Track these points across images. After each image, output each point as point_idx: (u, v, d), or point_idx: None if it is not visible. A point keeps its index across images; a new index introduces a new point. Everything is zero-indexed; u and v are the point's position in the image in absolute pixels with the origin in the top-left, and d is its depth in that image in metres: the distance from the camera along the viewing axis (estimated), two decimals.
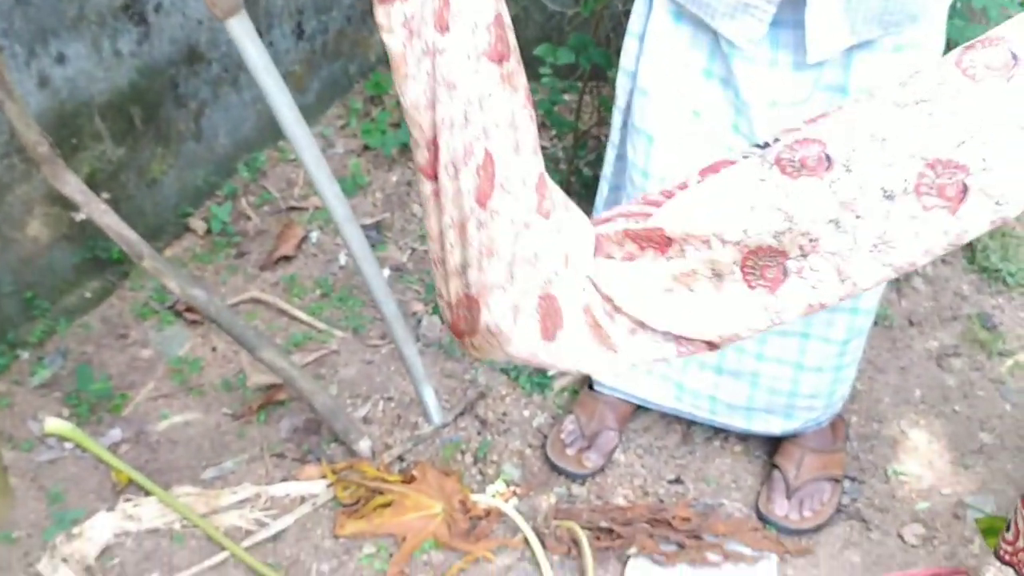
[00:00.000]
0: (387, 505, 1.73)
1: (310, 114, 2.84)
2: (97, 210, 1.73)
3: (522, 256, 0.97)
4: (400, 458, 1.85)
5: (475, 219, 0.95)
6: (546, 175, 1.00)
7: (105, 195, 2.07)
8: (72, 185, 1.71)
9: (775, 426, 1.77)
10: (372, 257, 1.71)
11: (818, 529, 1.72)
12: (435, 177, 0.97)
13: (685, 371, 1.75)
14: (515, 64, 0.96)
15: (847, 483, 1.81)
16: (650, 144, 1.53)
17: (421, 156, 0.98)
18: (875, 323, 2.14)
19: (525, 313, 0.99)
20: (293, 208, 2.51)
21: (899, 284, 2.22)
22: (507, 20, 0.95)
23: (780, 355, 1.66)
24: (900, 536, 1.73)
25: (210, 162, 2.50)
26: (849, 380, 1.74)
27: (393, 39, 0.95)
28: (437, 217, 0.99)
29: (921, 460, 1.86)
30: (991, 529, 1.58)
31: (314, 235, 2.43)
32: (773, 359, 1.67)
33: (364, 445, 1.85)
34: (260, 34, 2.35)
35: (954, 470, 1.84)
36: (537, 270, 0.98)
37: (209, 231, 2.40)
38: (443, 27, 0.92)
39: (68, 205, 1.77)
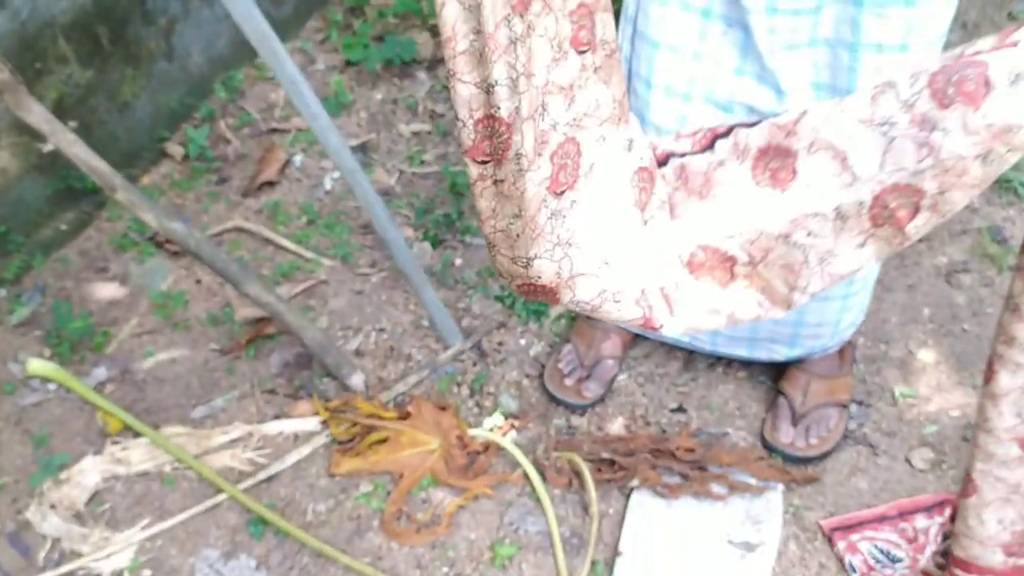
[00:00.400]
0: (382, 442, 1.68)
1: (288, 28, 2.70)
2: (65, 139, 1.63)
3: (618, 247, 0.98)
4: (396, 394, 1.80)
5: (548, 209, 0.91)
6: (654, 172, 0.98)
7: (74, 122, 1.96)
8: (37, 114, 1.61)
9: (779, 353, 1.71)
10: (364, 177, 1.64)
11: (825, 456, 1.68)
12: (484, 161, 0.91)
13: None
14: (603, 58, 0.92)
15: (854, 407, 1.76)
16: (655, 51, 1.43)
17: (467, 137, 0.90)
18: None
19: (627, 298, 1.01)
20: (275, 130, 2.41)
21: None
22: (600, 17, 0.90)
23: None
24: (908, 461, 1.69)
25: (184, 83, 2.38)
26: (858, 308, 1.68)
27: (448, 9, 0.85)
28: (492, 202, 0.94)
29: (929, 381, 1.82)
30: None
31: (298, 159, 2.33)
32: None
33: (357, 379, 1.80)
34: None
35: (963, 391, 1.80)
36: (638, 262, 0.97)
37: (187, 156, 2.30)
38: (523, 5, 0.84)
39: (36, 134, 1.67)
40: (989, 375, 1.18)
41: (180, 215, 2.18)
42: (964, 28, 1.97)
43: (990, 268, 2.01)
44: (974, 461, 1.25)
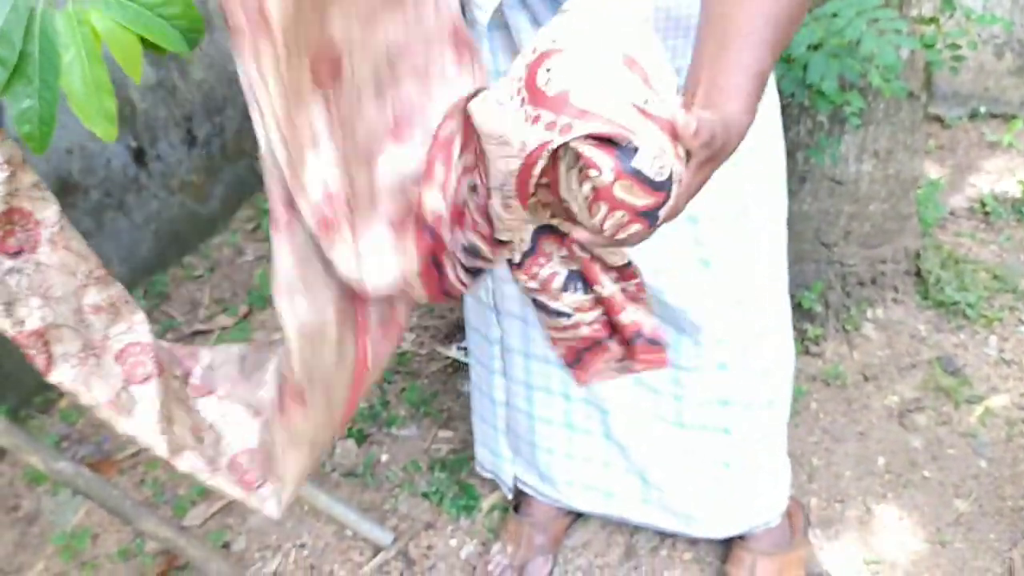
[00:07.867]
0: None
1: (216, 222, 2.67)
2: None
3: None
4: None
5: None
6: None
7: None
8: None
9: (704, 531, 1.56)
10: None
11: None
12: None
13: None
14: None
15: None
16: None
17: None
18: (827, 383, 1.95)
19: None
20: (198, 332, 2.34)
21: (848, 334, 2.03)
22: None
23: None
24: None
25: None
26: (764, 486, 1.53)
27: None
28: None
29: (893, 542, 1.66)
30: None
31: None
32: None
33: None
34: (143, 150, 2.14)
35: (931, 549, 1.64)
36: None
37: None
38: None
39: None
40: None
41: (98, 438, 2.09)
42: (876, 156, 1.90)
43: (945, 403, 1.88)
44: None
